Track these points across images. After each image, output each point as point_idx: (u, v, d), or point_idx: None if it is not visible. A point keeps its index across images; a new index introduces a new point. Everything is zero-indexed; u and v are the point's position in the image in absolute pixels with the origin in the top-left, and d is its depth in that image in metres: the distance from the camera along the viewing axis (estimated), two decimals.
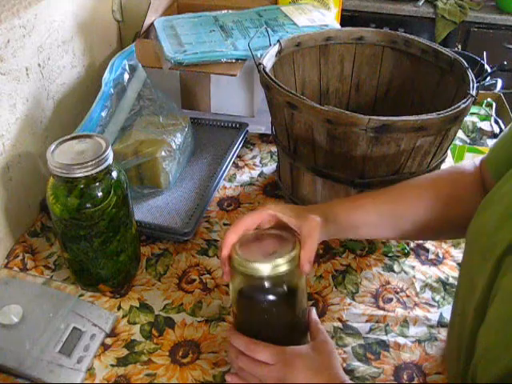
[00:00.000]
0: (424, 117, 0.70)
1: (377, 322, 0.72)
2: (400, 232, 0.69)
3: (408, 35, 0.93)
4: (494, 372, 0.47)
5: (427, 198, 0.66)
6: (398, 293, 0.77)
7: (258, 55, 0.90)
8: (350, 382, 0.57)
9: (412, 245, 0.85)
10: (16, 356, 0.64)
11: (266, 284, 0.56)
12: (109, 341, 0.69)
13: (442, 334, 0.70)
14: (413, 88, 0.95)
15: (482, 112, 1.79)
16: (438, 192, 0.67)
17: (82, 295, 0.75)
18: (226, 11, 1.19)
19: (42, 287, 0.75)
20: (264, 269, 0.55)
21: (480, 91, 0.87)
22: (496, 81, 1.87)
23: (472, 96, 0.75)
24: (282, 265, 0.56)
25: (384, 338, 0.70)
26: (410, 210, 0.66)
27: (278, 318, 0.59)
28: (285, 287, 0.58)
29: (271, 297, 0.57)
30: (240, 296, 0.59)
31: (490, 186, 0.59)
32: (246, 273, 0.56)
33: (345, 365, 0.67)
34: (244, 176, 1.00)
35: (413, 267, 0.81)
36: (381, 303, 0.75)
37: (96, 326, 0.69)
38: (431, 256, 0.83)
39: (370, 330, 0.71)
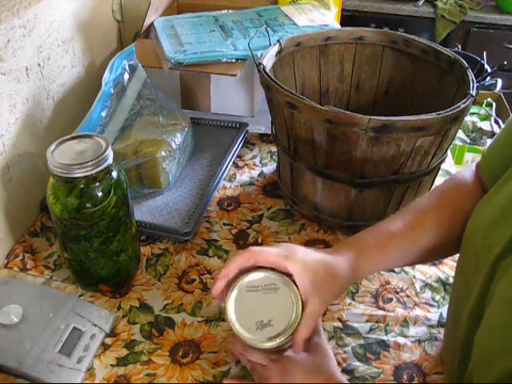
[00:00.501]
0: (424, 117, 0.70)
1: (377, 321, 0.72)
2: (412, 262, 0.69)
3: (408, 35, 0.93)
4: (491, 375, 0.47)
5: (441, 222, 0.64)
6: (397, 293, 0.77)
7: (258, 55, 0.90)
8: (347, 382, 0.57)
9: None
10: (16, 356, 0.64)
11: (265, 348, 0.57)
12: (109, 341, 0.69)
13: (442, 333, 0.70)
14: (413, 88, 0.95)
15: (482, 112, 1.79)
16: (448, 211, 0.65)
17: (82, 295, 0.75)
18: (225, 11, 1.19)
19: (42, 287, 0.75)
20: (262, 345, 0.56)
21: (480, 91, 0.87)
22: (496, 81, 1.87)
23: (472, 96, 0.75)
24: (279, 340, 0.56)
25: (384, 337, 0.70)
26: (426, 240, 0.64)
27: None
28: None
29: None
30: None
31: (487, 189, 0.59)
32: (244, 341, 0.57)
33: (345, 365, 0.67)
34: (244, 176, 1.00)
35: (413, 267, 0.81)
36: (381, 303, 0.75)
37: (96, 326, 0.69)
38: None
39: (370, 329, 0.71)
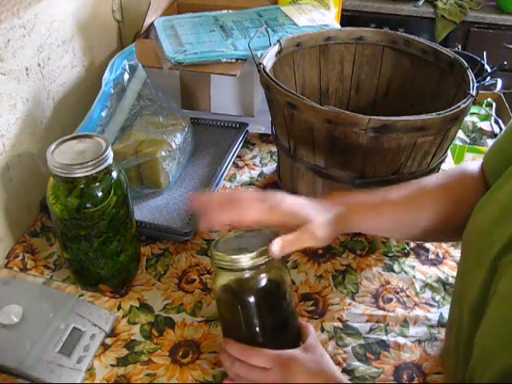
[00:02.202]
0: (424, 117, 0.70)
1: (377, 321, 0.72)
2: (408, 236, 0.70)
3: (408, 35, 0.93)
4: (492, 373, 0.47)
5: (439, 204, 0.65)
6: (398, 293, 0.77)
7: (258, 55, 0.90)
8: (348, 382, 0.57)
9: (412, 245, 0.84)
10: (16, 356, 0.64)
11: (247, 275, 0.57)
12: (109, 341, 0.69)
13: (442, 333, 0.70)
14: (413, 88, 0.95)
15: (482, 112, 1.79)
16: (448, 196, 0.66)
17: (82, 295, 0.75)
18: (226, 11, 1.19)
19: (42, 287, 0.75)
20: (242, 260, 0.56)
21: (480, 91, 0.87)
22: (496, 81, 1.87)
23: (472, 96, 0.75)
24: (260, 256, 0.56)
25: (384, 337, 0.70)
26: (422, 217, 0.65)
27: (265, 311, 0.59)
28: (266, 278, 0.58)
29: (255, 287, 0.58)
30: (224, 294, 0.60)
31: (490, 186, 0.59)
32: (227, 267, 0.57)
33: (345, 365, 0.67)
34: (244, 176, 1.00)
35: (413, 267, 0.81)
36: (381, 303, 0.75)
37: (96, 326, 0.69)
38: (431, 256, 0.83)
39: (370, 329, 0.71)
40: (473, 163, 0.68)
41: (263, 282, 0.59)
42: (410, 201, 0.65)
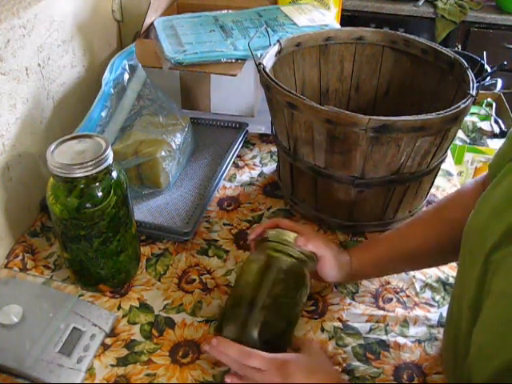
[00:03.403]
0: (424, 117, 0.70)
1: (377, 321, 0.72)
2: (411, 268, 0.78)
3: (408, 35, 0.93)
4: (488, 370, 0.47)
5: (429, 229, 0.71)
6: (398, 293, 0.77)
7: (258, 55, 0.90)
8: (347, 382, 0.58)
9: None
10: (16, 356, 0.64)
11: (292, 253, 0.67)
12: (109, 341, 0.69)
13: (442, 333, 0.70)
14: (413, 88, 0.95)
15: (482, 112, 1.79)
16: (439, 216, 0.72)
17: (82, 295, 0.75)
18: (226, 11, 1.19)
19: (42, 287, 0.75)
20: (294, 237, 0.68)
21: (480, 91, 0.86)
22: (496, 81, 1.87)
23: (472, 96, 0.75)
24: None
25: (384, 337, 0.70)
26: (421, 249, 0.71)
27: (281, 293, 0.64)
28: (306, 266, 0.68)
29: (294, 266, 0.66)
30: (263, 268, 0.66)
31: None
32: (280, 240, 0.68)
33: (345, 365, 0.67)
34: (244, 176, 1.00)
35: None
36: (381, 303, 0.75)
37: (96, 326, 0.69)
38: None
39: (370, 329, 0.71)
40: (469, 181, 0.73)
41: (296, 269, 0.67)
42: (402, 237, 0.73)
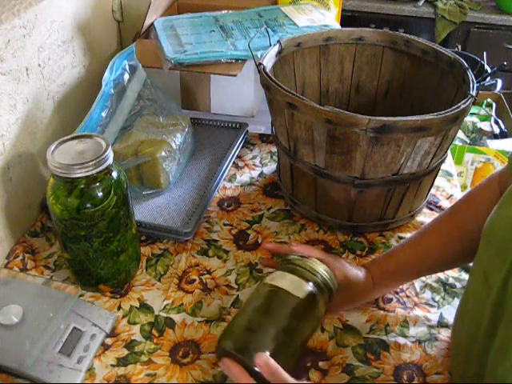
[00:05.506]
0: (424, 117, 0.70)
1: (377, 322, 0.72)
2: (426, 275, 0.78)
3: (408, 35, 0.93)
4: (507, 366, 0.47)
5: (438, 243, 0.71)
6: (397, 293, 0.77)
7: (258, 55, 0.90)
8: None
9: None
10: (16, 356, 0.64)
11: (310, 287, 0.63)
12: (109, 341, 0.69)
13: (442, 333, 0.70)
14: (413, 88, 0.95)
15: (482, 112, 1.79)
16: (451, 219, 0.71)
17: (82, 295, 0.75)
18: (225, 11, 1.19)
19: (42, 287, 0.75)
20: (320, 266, 0.65)
21: (480, 91, 0.86)
22: (496, 81, 1.87)
23: (472, 96, 0.75)
24: (330, 275, 0.66)
25: (384, 337, 0.70)
26: (438, 261, 0.72)
27: (295, 322, 0.61)
28: (323, 296, 0.64)
29: (312, 292, 0.63)
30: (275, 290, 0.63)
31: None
32: (302, 265, 0.65)
33: (345, 365, 0.67)
34: (244, 176, 1.00)
35: None
36: (381, 303, 0.75)
37: (96, 326, 0.69)
38: None
39: (370, 330, 0.71)
40: (481, 182, 0.72)
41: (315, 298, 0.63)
42: (416, 245, 0.73)
